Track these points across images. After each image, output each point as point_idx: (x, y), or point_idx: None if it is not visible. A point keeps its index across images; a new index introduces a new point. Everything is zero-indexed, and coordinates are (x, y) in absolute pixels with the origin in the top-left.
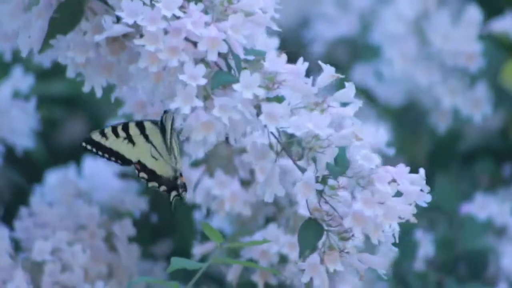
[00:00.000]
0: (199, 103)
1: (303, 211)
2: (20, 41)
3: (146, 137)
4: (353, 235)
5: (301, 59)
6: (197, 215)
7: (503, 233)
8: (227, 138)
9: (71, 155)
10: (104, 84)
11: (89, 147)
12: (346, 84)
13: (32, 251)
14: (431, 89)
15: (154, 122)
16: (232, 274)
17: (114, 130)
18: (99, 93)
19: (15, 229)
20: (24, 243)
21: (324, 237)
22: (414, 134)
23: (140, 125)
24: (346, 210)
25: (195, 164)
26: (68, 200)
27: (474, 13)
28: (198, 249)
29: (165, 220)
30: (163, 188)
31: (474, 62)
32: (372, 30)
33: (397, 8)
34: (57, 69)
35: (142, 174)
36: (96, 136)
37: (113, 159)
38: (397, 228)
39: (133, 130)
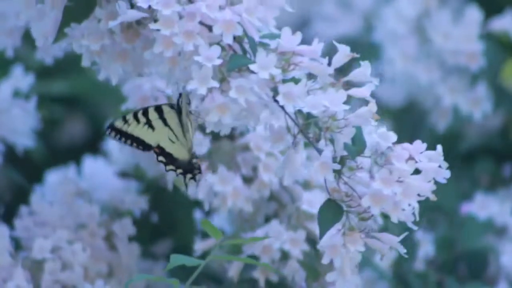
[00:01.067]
0: (215, 84)
1: (306, 207)
2: (34, 32)
3: (164, 121)
4: (372, 215)
5: (316, 39)
6: (197, 215)
7: (503, 233)
8: (230, 134)
9: (71, 154)
10: (120, 71)
11: (112, 134)
12: (362, 63)
13: (32, 249)
14: (432, 88)
15: (171, 106)
16: (232, 271)
17: (135, 115)
18: (114, 81)
19: (15, 228)
20: (24, 241)
21: (343, 218)
22: (414, 133)
23: (158, 109)
24: (365, 190)
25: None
26: (68, 199)
27: (474, 13)
28: (199, 245)
29: (165, 219)
30: (179, 171)
31: (474, 61)
32: (373, 29)
33: (398, 7)
34: (58, 68)
35: (161, 158)
36: (119, 123)
37: (135, 145)
38: (416, 206)
39: (152, 114)
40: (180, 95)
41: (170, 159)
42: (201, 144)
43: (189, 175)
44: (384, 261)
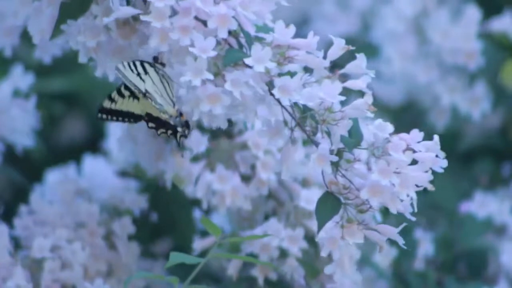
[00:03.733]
0: (209, 76)
1: (304, 205)
2: (31, 29)
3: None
4: (370, 207)
5: (311, 33)
6: (197, 214)
7: (503, 232)
8: (228, 132)
9: (71, 153)
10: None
11: (104, 116)
12: (357, 55)
13: (32, 248)
14: (430, 87)
15: (150, 64)
16: (231, 269)
17: (119, 91)
18: (111, 77)
19: (15, 227)
20: (24, 241)
21: (341, 211)
22: None
23: (142, 65)
24: (362, 182)
25: (196, 159)
26: (68, 199)
27: (473, 12)
28: (198, 244)
29: (164, 218)
30: (169, 132)
31: (473, 60)
32: (372, 28)
33: (397, 6)
34: (57, 66)
35: (151, 124)
36: (106, 103)
37: (126, 120)
38: (414, 197)
39: (140, 69)
40: (155, 58)
41: (159, 123)
42: (200, 143)
43: (179, 134)
44: (384, 260)
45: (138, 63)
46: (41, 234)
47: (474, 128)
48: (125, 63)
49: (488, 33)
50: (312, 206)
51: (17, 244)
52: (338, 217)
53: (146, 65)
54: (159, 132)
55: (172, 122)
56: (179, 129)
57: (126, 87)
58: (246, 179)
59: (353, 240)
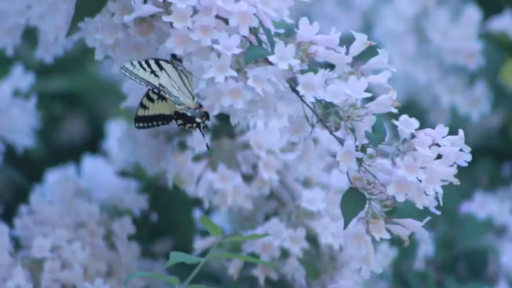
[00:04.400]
0: (233, 73)
1: (306, 205)
2: (46, 26)
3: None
4: (395, 202)
5: (333, 29)
6: (197, 214)
7: (503, 232)
8: (230, 131)
9: (71, 153)
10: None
11: (141, 124)
12: (379, 50)
13: (32, 248)
14: (430, 87)
15: (165, 60)
16: (232, 269)
17: (148, 96)
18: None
19: (15, 227)
20: (24, 240)
21: (366, 206)
22: None
23: (158, 63)
24: (386, 177)
25: (198, 158)
26: (68, 199)
27: (473, 12)
28: (199, 244)
29: (164, 218)
30: (190, 125)
31: (473, 61)
32: (372, 28)
33: (397, 6)
34: (57, 66)
35: (179, 121)
36: (140, 112)
37: (160, 123)
38: (440, 191)
39: (154, 66)
40: (173, 55)
41: (185, 118)
42: (201, 142)
43: (202, 124)
44: (384, 260)
45: (152, 61)
46: (41, 234)
47: (474, 128)
48: (135, 62)
49: (488, 33)
50: (313, 207)
51: (17, 244)
52: (363, 212)
53: (162, 62)
54: (187, 127)
55: (189, 114)
56: (197, 119)
57: (153, 90)
58: (247, 178)
59: (379, 235)
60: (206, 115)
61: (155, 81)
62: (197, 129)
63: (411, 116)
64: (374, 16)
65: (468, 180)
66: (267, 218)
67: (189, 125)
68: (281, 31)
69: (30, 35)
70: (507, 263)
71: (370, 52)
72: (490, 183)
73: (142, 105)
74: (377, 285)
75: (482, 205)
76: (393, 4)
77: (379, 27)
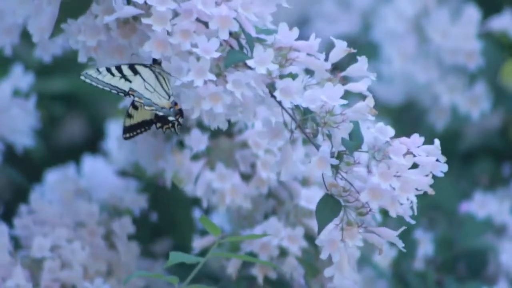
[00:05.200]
0: (212, 77)
1: (304, 204)
2: (31, 27)
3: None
4: (370, 210)
5: (313, 35)
6: (196, 214)
7: (503, 232)
8: (228, 131)
9: (71, 153)
10: None
11: (129, 135)
12: (359, 58)
13: (32, 248)
14: (430, 87)
15: (142, 64)
16: (231, 268)
17: (133, 105)
18: None
19: (15, 227)
20: (23, 240)
21: (341, 213)
22: (413, 132)
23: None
24: (362, 185)
25: (196, 157)
26: (68, 198)
27: (473, 12)
28: (197, 243)
29: (164, 218)
30: (170, 125)
31: (473, 60)
32: (372, 28)
33: (397, 6)
34: (57, 66)
35: (158, 124)
36: (127, 122)
37: (143, 129)
38: (414, 200)
39: (127, 71)
40: (154, 60)
41: (162, 120)
42: (200, 141)
43: (176, 124)
44: (384, 260)
45: (125, 67)
46: (41, 233)
47: (474, 128)
48: (102, 69)
49: (487, 32)
50: (312, 205)
51: (17, 243)
52: (338, 219)
53: (138, 67)
54: (164, 129)
55: (162, 113)
56: (170, 118)
57: (120, 71)
58: (246, 178)
59: (352, 242)
60: (180, 113)
61: (124, 85)
62: (172, 129)
63: (411, 115)
64: (373, 15)
65: (468, 180)
66: (266, 217)
67: (166, 126)
68: (263, 36)
69: (28, 35)
70: (507, 262)
71: (369, 52)
72: (490, 183)
73: (128, 115)
74: (377, 284)
75: (482, 205)
76: (393, 4)
77: (379, 26)
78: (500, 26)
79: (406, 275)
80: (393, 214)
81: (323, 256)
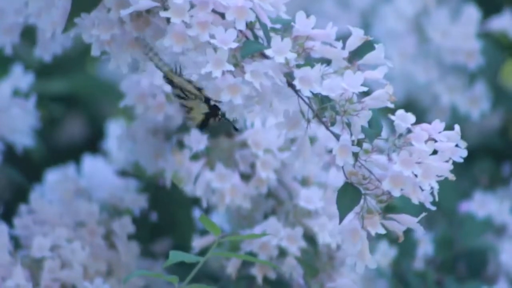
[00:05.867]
0: (230, 67)
1: (304, 204)
2: (43, 22)
3: None
4: (391, 197)
5: (330, 24)
6: (197, 213)
7: (503, 232)
8: (228, 131)
9: (71, 153)
10: (129, 60)
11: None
12: (376, 45)
13: (32, 248)
14: (430, 87)
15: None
16: (231, 268)
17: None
18: (124, 70)
19: (15, 227)
20: (23, 240)
21: (361, 201)
22: None
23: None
24: (382, 172)
25: (196, 157)
26: (68, 198)
27: (472, 11)
28: (197, 242)
29: (164, 218)
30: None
31: (473, 60)
32: (372, 27)
33: (397, 5)
34: (57, 66)
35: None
36: (196, 119)
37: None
38: (436, 187)
39: None
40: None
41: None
42: (199, 141)
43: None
44: (384, 260)
45: None
46: (40, 233)
47: (474, 128)
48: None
49: (487, 32)
50: (311, 205)
51: (17, 243)
52: (359, 207)
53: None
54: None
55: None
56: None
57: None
58: (245, 177)
59: (374, 230)
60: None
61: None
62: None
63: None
64: (373, 15)
65: (468, 179)
66: (265, 217)
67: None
68: (278, 26)
69: (29, 35)
70: (507, 262)
71: (367, 48)
72: (490, 183)
73: (191, 118)
74: (376, 284)
75: (482, 205)
76: (393, 3)
77: (378, 26)
78: (500, 26)
79: (406, 275)
80: (415, 200)
81: (346, 246)
